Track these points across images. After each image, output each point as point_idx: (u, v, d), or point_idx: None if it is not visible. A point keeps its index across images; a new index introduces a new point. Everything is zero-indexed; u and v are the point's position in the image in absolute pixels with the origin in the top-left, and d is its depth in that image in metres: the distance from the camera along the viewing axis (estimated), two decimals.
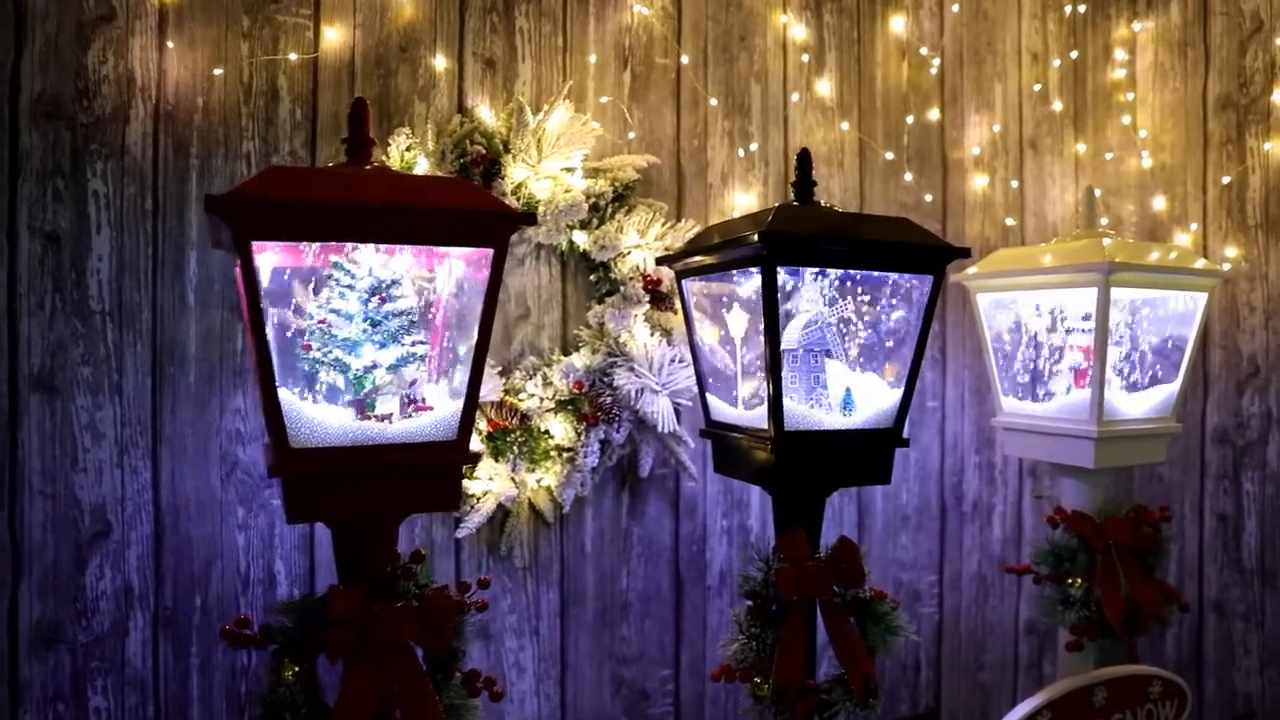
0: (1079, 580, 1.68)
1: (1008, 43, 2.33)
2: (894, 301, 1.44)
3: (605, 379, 1.74)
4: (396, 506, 1.16)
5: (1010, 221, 2.31)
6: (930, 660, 2.26)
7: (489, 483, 1.66)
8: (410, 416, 1.18)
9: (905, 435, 1.45)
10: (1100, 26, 2.42)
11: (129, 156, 1.52)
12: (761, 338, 1.36)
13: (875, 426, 1.42)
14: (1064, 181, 2.39)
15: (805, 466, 1.38)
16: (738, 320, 1.54)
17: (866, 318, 1.44)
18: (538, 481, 1.72)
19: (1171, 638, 2.30)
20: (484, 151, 1.63)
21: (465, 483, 1.66)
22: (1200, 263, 1.71)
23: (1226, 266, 2.20)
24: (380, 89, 1.69)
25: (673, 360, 1.75)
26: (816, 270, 1.41)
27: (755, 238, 1.26)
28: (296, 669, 1.14)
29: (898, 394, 1.42)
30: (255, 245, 1.04)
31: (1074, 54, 2.40)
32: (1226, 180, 2.23)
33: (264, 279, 1.10)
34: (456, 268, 1.24)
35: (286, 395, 1.09)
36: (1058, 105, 2.37)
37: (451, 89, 1.75)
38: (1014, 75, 2.34)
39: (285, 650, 1.15)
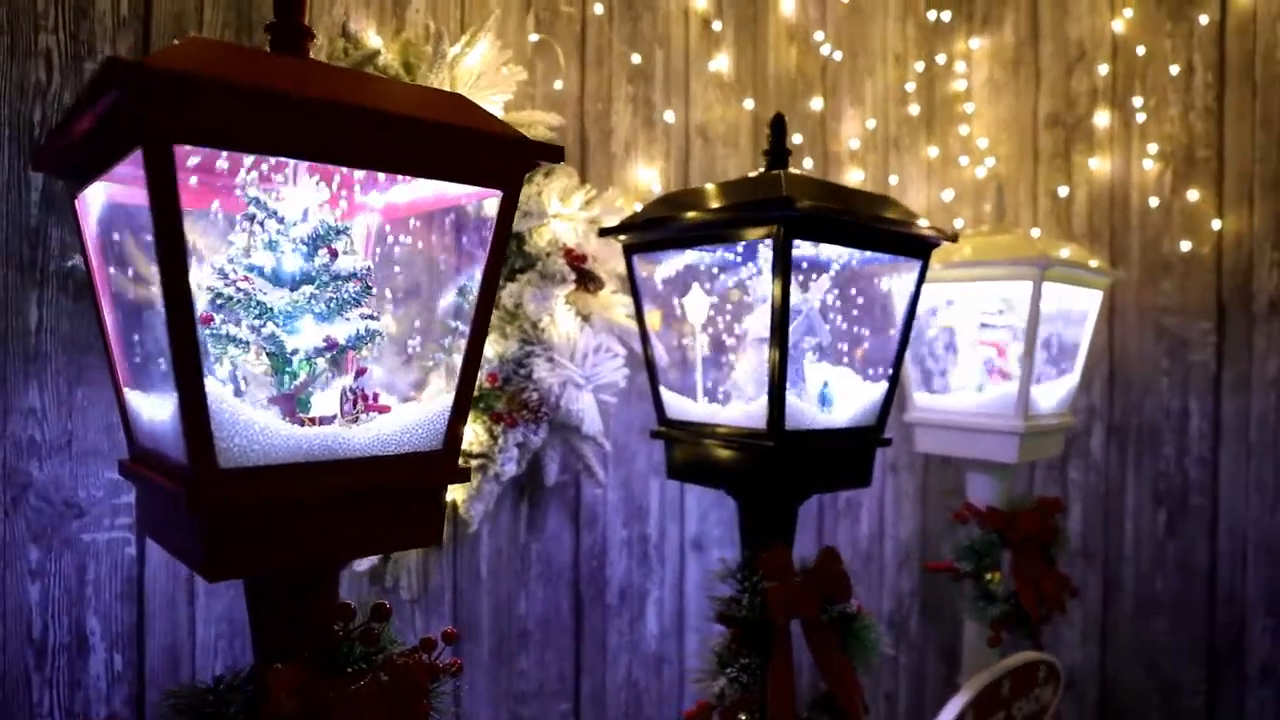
0: (997, 575, 1.68)
1: (876, 41, 2.34)
2: (877, 288, 1.32)
3: (520, 370, 1.46)
4: (358, 546, 0.84)
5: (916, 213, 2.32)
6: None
7: None
8: (366, 417, 0.86)
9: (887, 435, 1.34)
10: (945, 37, 2.51)
11: None
12: (728, 323, 1.18)
13: (858, 424, 1.29)
14: (919, 182, 2.45)
15: (794, 469, 1.22)
16: (698, 303, 1.34)
17: (850, 305, 1.31)
18: None
19: None
20: None
21: None
22: (1093, 263, 1.78)
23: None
24: None
25: (597, 349, 1.51)
26: (806, 253, 1.26)
27: (770, 206, 1.08)
28: None
29: (881, 388, 1.31)
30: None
31: (926, 62, 2.47)
32: (1065, 192, 2.40)
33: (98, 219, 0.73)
34: (440, 215, 0.93)
35: (216, 390, 0.73)
36: (915, 109, 2.43)
37: (332, 4, 1.38)
38: (881, 73, 2.36)
39: None
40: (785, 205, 1.09)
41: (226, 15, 1.29)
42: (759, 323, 1.26)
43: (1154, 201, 2.26)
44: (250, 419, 0.75)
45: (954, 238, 1.31)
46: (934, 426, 1.77)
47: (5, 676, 1.13)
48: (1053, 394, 1.75)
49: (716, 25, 1.94)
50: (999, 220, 1.79)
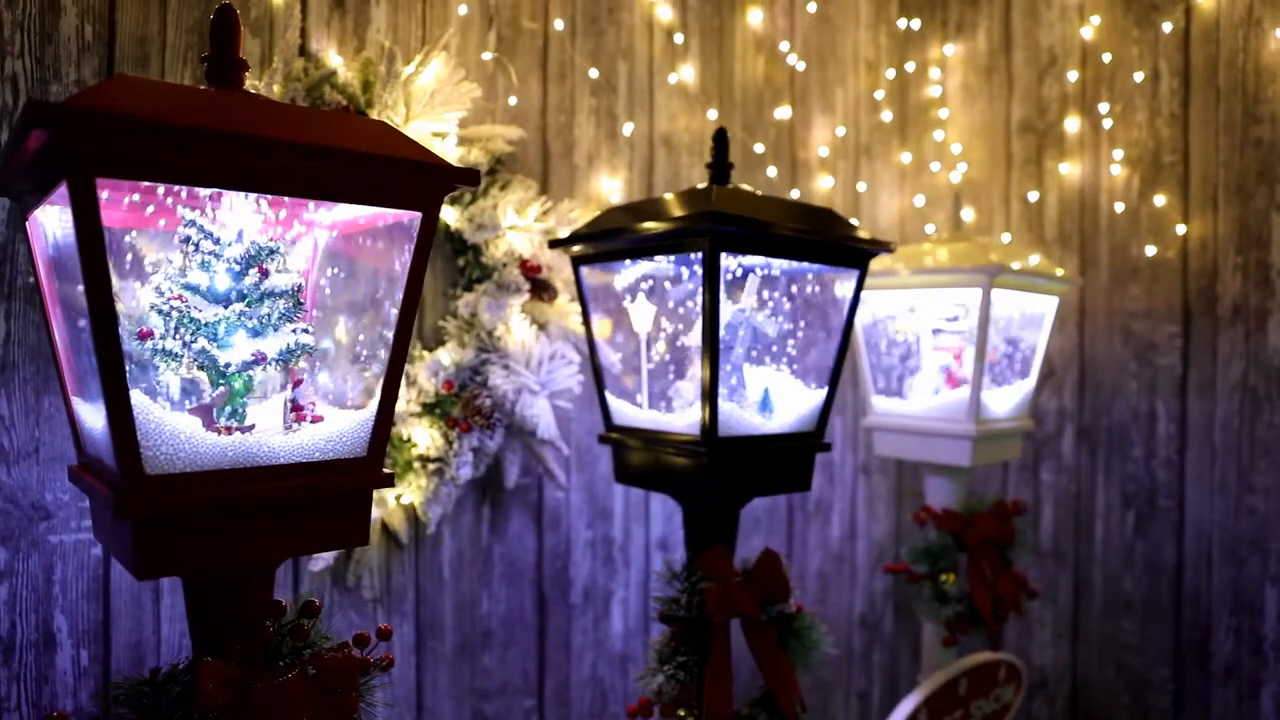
0: (952, 576, 1.72)
1: (848, 49, 2.38)
2: (817, 297, 1.36)
3: (477, 378, 1.51)
4: (285, 547, 0.89)
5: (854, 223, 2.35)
6: None
7: None
8: (292, 428, 0.91)
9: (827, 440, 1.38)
10: (918, 44, 2.55)
11: None
12: (670, 332, 1.22)
13: (797, 430, 1.34)
14: (892, 188, 2.49)
15: (730, 474, 1.27)
16: (642, 312, 1.39)
17: (789, 314, 1.35)
18: (397, 498, 1.46)
19: None
20: (343, 103, 1.35)
21: None
22: (1059, 271, 1.81)
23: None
24: (200, 16, 1.35)
25: (552, 357, 1.56)
26: (741, 263, 1.30)
27: (695, 220, 1.12)
28: None
29: (820, 395, 1.35)
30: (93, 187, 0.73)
31: (897, 69, 2.50)
32: (1035, 197, 2.42)
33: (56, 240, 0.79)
34: (367, 235, 0.98)
35: (143, 400, 0.79)
36: (887, 115, 2.46)
37: (292, 26, 1.44)
38: (852, 81, 2.39)
39: None
40: (713, 220, 1.13)
41: (189, 39, 1.34)
42: (694, 332, 1.30)
43: (1122, 206, 2.29)
44: (175, 428, 0.80)
45: (890, 248, 1.35)
46: (892, 431, 1.80)
47: None
48: (1008, 398, 1.78)
49: (681, 38, 1.98)
50: (956, 228, 1.82)
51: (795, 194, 2.23)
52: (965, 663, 1.78)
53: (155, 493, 0.78)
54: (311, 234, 0.98)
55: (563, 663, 1.80)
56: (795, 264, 1.32)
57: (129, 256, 0.89)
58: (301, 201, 0.92)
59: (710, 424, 1.21)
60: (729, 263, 1.26)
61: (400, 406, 1.43)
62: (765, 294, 1.35)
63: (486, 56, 1.66)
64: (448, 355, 1.49)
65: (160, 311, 0.87)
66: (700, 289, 1.21)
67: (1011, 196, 2.49)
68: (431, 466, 1.46)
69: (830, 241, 1.26)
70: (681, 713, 1.26)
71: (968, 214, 2.51)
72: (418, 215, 0.90)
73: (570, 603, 1.82)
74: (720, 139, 1.34)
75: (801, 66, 2.26)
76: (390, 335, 0.91)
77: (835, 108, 2.35)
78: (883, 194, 2.46)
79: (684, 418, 1.29)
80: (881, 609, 2.50)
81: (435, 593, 1.62)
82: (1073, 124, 2.38)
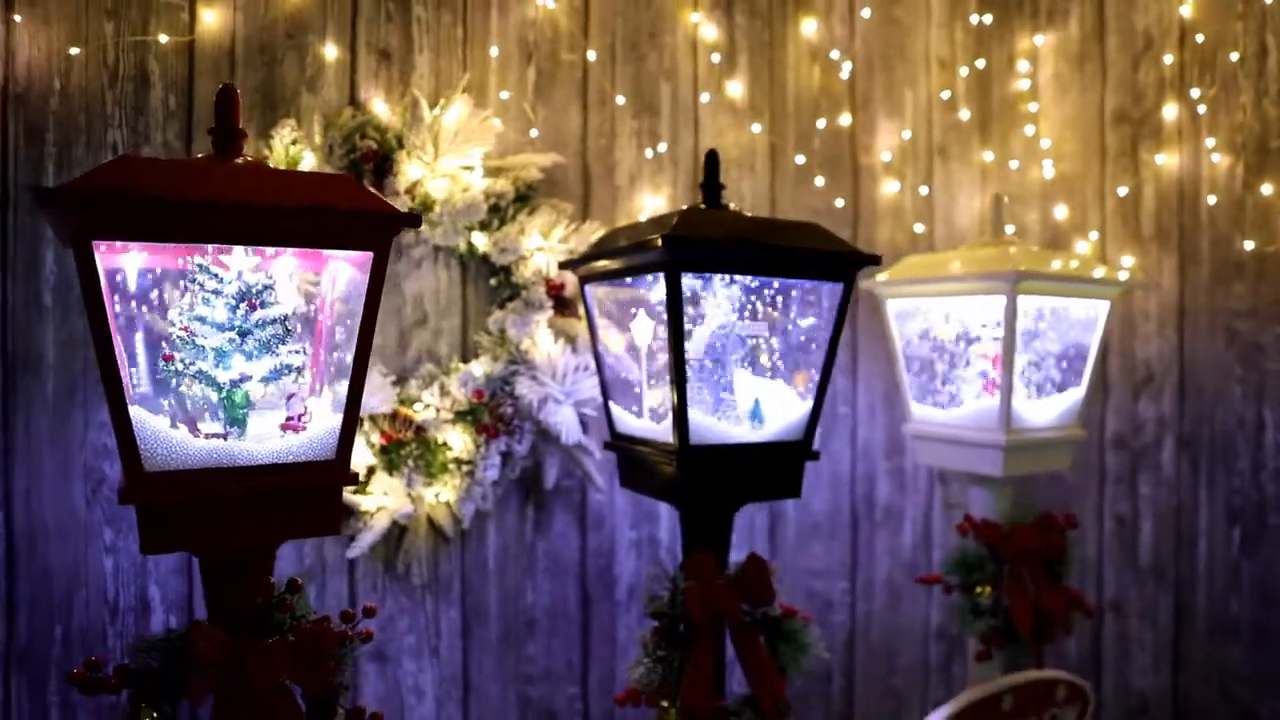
0: (988, 589, 1.68)
1: (917, 49, 2.34)
2: (804, 309, 1.40)
3: (506, 388, 1.66)
4: (268, 533, 1.06)
5: (919, 228, 2.32)
6: (842, 668, 2.25)
7: (383, 498, 1.57)
8: (283, 435, 1.08)
9: (815, 448, 1.41)
10: (1004, 37, 2.45)
11: None
12: (656, 346, 1.30)
13: (784, 439, 1.38)
14: (971, 189, 2.42)
15: (712, 481, 1.33)
16: (643, 327, 1.48)
17: (776, 326, 1.40)
18: (436, 496, 1.63)
19: (1073, 638, 2.35)
20: (375, 147, 1.53)
21: (358, 499, 1.56)
22: (1102, 272, 1.73)
23: (1124, 275, 2.25)
24: (264, 77, 1.58)
25: (577, 368, 1.68)
26: (726, 277, 1.36)
27: (659, 242, 1.20)
28: (155, 715, 1.03)
29: (808, 405, 1.39)
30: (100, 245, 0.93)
31: (980, 63, 2.43)
32: (1124, 192, 2.28)
33: (124, 281, 1.00)
34: (341, 271, 1.14)
35: (141, 413, 0.98)
36: (965, 113, 2.40)
37: (343, 80, 1.64)
38: (923, 82, 2.35)
39: (143, 695, 1.03)
40: (671, 244, 1.21)
41: (254, 97, 1.57)
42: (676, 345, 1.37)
43: (1223, 198, 2.11)
44: (168, 435, 0.99)
45: (875, 260, 1.37)
46: (929, 439, 1.78)
47: (88, 629, 1.46)
48: (1052, 407, 1.71)
49: (721, 57, 2.04)
50: (996, 233, 1.77)
51: (840, 202, 2.22)
52: (1011, 679, 1.73)
53: (151, 486, 0.97)
54: (299, 267, 1.14)
55: (606, 655, 1.91)
56: (781, 279, 1.36)
57: (155, 293, 1.09)
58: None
59: (680, 433, 1.28)
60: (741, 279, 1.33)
61: (433, 415, 1.60)
62: (755, 306, 1.40)
63: (519, 92, 1.80)
64: (479, 367, 1.64)
65: (175, 338, 1.06)
66: (704, 303, 1.29)
67: (1106, 192, 2.35)
68: (464, 468, 1.62)
69: (801, 256, 1.30)
70: (664, 704, 1.34)
71: (1061, 211, 2.40)
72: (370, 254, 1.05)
73: (615, 599, 1.93)
74: (711, 161, 1.41)
75: (867, 71, 2.25)
76: (350, 358, 1.06)
77: (903, 110, 2.32)
78: (960, 195, 2.39)
79: (667, 426, 1.36)
80: None
81: (480, 583, 1.78)
82: (1170, 111, 2.22)
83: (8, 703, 1.40)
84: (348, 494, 1.54)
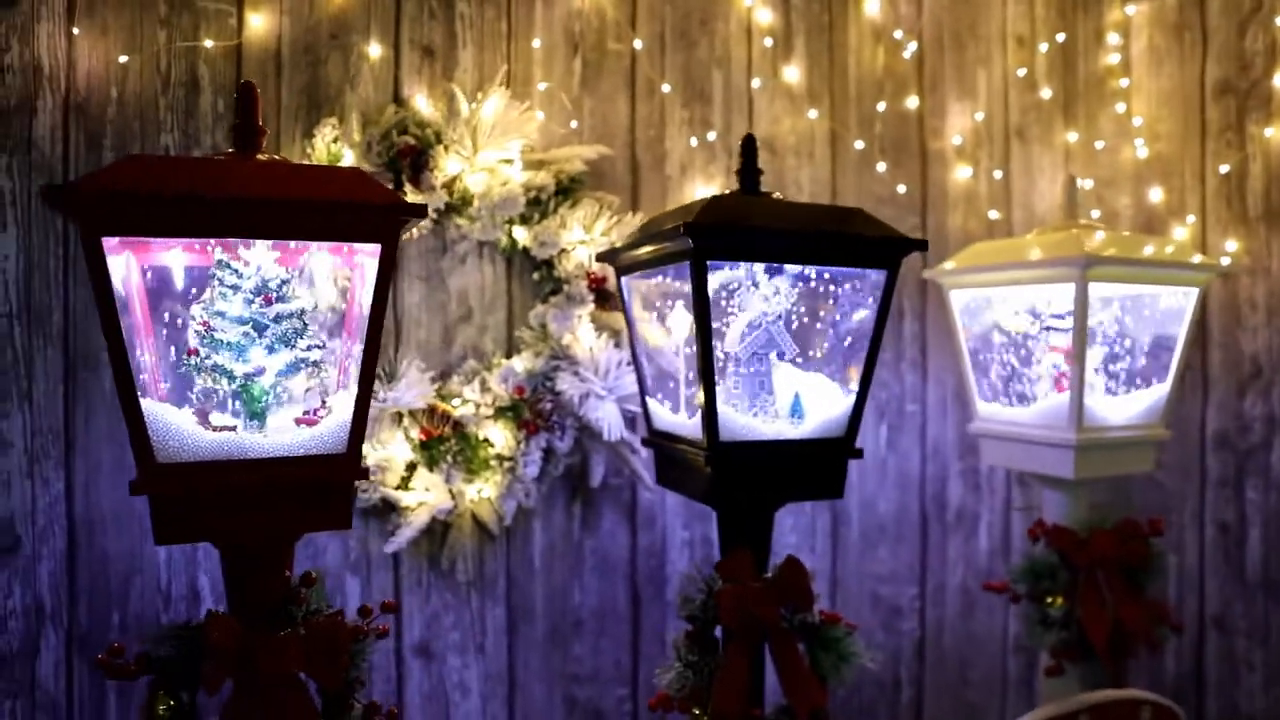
0: (1059, 599, 1.56)
1: (991, 26, 2.21)
2: (847, 299, 1.32)
3: (548, 383, 1.64)
4: (279, 527, 1.06)
5: (995, 215, 2.18)
6: (912, 678, 2.14)
7: (424, 494, 1.57)
8: (296, 429, 1.08)
9: (858, 445, 1.33)
10: (1091, 9, 2.29)
11: (36, 150, 1.44)
12: (688, 338, 1.25)
13: (825, 436, 1.31)
14: (1053, 172, 2.26)
15: (744, 479, 1.27)
16: (680, 320, 1.43)
17: (817, 317, 1.33)
18: (478, 492, 1.62)
19: (1171, 655, 2.16)
20: (413, 143, 1.53)
21: (399, 494, 1.57)
22: (1195, 257, 1.58)
23: (1226, 261, 2.06)
24: (309, 78, 1.60)
25: (620, 363, 1.64)
26: (766, 266, 1.30)
27: (683, 230, 1.15)
28: (172, 702, 1.05)
29: (850, 400, 1.31)
30: (112, 241, 0.95)
31: (1061, 38, 2.27)
32: (1225, 170, 2.09)
33: (148, 276, 1.02)
34: (369, 266, 1.14)
35: (153, 405, 0.99)
36: (1046, 92, 2.25)
37: (387, 78, 1.65)
38: (999, 60, 2.21)
39: (161, 682, 1.05)
40: (693, 232, 1.16)
41: (299, 98, 1.60)
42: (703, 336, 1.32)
43: None
44: (180, 427, 1.00)
45: (921, 245, 1.28)
46: (997, 438, 1.67)
47: (143, 616, 1.51)
48: (1132, 404, 1.57)
49: (775, 41, 1.97)
50: (1070, 215, 1.64)
51: (901, 189, 2.11)
52: (1089, 697, 1.60)
53: (163, 477, 0.99)
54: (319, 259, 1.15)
55: (657, 656, 1.87)
56: (819, 267, 1.29)
57: (180, 287, 1.11)
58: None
59: (710, 429, 1.23)
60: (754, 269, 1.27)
61: (471, 410, 1.59)
62: (795, 296, 1.33)
63: (565, 85, 1.78)
64: (520, 363, 1.63)
65: (197, 333, 1.08)
66: (742, 294, 1.24)
67: (1207, 171, 2.16)
68: (505, 464, 1.61)
69: (837, 241, 1.23)
70: (696, 710, 1.29)
71: (1156, 194, 2.22)
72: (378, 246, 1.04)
73: (666, 600, 1.88)
74: (748, 147, 1.35)
75: (936, 51, 2.14)
76: (359, 349, 1.06)
77: (976, 91, 2.19)
78: (1040, 179, 2.24)
79: (699, 422, 1.31)
80: None
81: (526, 581, 1.76)
82: None
83: (70, 685, 1.47)
84: (389, 490, 1.55)
